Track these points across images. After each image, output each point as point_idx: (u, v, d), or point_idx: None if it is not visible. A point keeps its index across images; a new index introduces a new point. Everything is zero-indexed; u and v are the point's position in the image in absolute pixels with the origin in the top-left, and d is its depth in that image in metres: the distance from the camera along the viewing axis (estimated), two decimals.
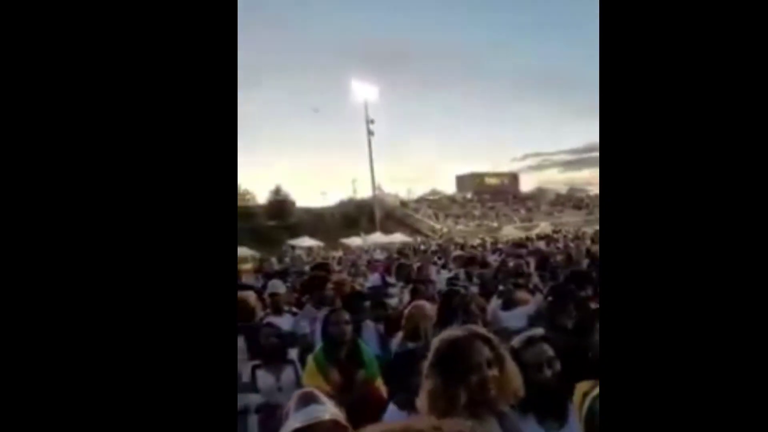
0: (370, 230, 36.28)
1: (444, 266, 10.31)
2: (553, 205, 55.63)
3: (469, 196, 55.99)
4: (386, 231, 36.53)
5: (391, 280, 7.99)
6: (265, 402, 3.25)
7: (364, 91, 43.43)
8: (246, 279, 10.79)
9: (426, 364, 1.73)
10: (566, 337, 2.92)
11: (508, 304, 4.51)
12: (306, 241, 31.38)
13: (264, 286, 6.67)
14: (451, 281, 6.46)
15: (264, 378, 3.36)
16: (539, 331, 2.26)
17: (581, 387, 1.66)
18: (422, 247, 20.98)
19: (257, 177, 71.97)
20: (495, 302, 4.55)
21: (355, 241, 32.24)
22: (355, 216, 42.59)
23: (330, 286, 5.26)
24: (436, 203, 53.40)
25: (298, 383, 3.22)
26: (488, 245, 18.64)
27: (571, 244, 12.10)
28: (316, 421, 1.59)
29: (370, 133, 43.44)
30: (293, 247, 28.99)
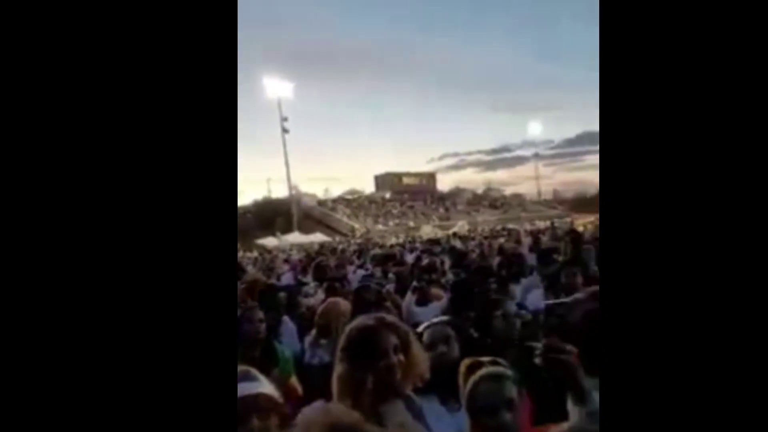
0: (287, 230, 35.88)
1: (361, 266, 10.39)
2: (470, 205, 57.29)
3: (387, 195, 56.57)
4: (304, 231, 36.27)
5: (306, 279, 7.97)
6: None
7: (277, 88, 42.77)
8: None
9: (337, 351, 1.78)
10: (468, 324, 3.09)
11: (422, 299, 4.61)
12: None
13: None
14: (366, 278, 6.53)
15: None
16: (444, 318, 2.38)
17: (465, 362, 1.76)
18: (341, 247, 20.99)
19: None
20: (409, 298, 4.65)
21: (272, 241, 31.78)
22: (271, 216, 41.96)
23: (242, 285, 5.19)
24: (354, 203, 53.60)
25: None
26: (406, 244, 18.96)
27: (485, 242, 12.50)
28: (248, 393, 1.60)
29: (284, 131, 42.90)
30: None
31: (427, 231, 34.19)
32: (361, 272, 8.79)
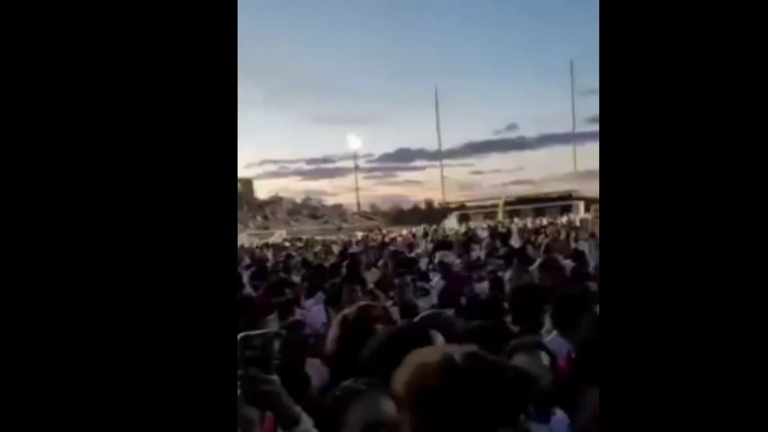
0: None
1: None
2: (290, 214, 57.12)
3: None
4: None
5: None
6: None
7: None
8: None
9: None
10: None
11: None
12: None
13: None
14: None
15: None
16: None
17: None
18: None
19: None
20: None
21: None
22: None
23: None
24: None
25: None
26: None
27: (294, 253, 12.51)
28: None
29: None
30: None
31: (243, 239, 33.12)
32: None
